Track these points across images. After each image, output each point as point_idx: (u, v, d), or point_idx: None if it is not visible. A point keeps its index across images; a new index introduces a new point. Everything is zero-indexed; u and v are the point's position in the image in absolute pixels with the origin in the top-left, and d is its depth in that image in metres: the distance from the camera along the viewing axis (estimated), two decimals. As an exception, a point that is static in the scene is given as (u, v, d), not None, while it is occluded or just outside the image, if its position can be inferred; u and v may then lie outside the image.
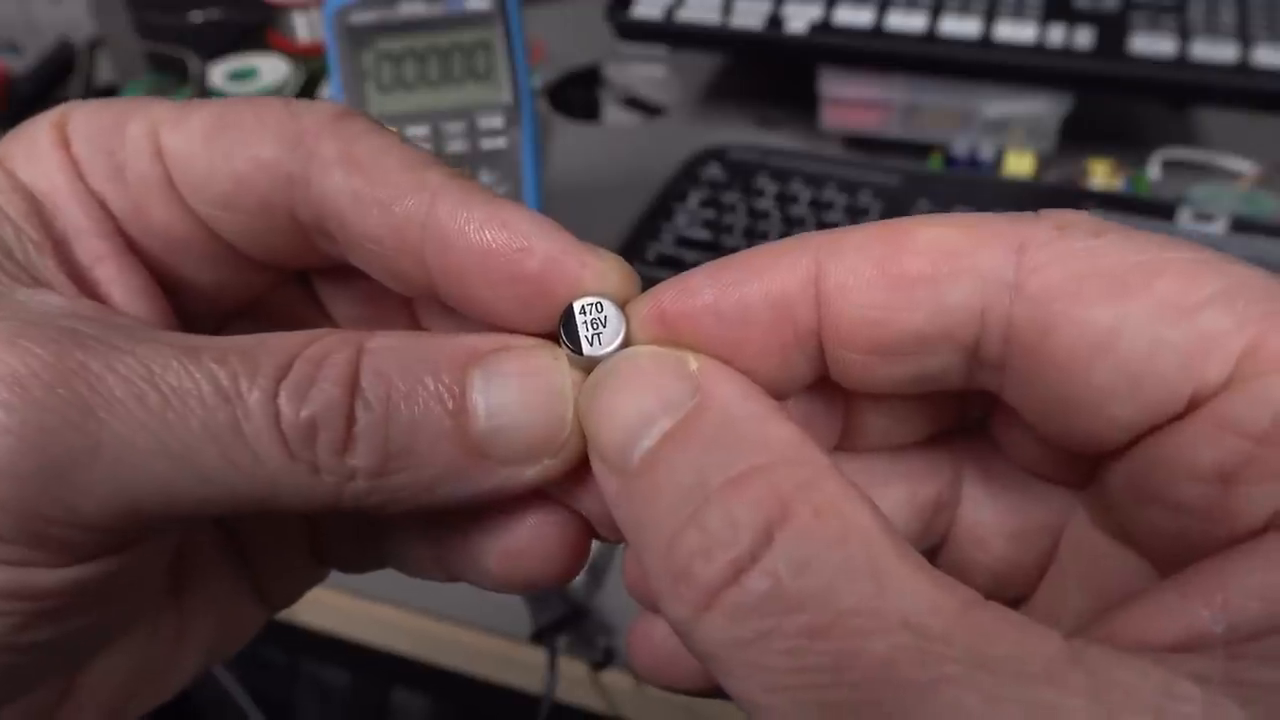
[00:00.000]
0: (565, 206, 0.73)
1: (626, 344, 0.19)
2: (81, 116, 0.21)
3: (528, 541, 0.21)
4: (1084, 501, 0.20)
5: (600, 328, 0.19)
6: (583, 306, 0.19)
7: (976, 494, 0.22)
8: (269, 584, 0.25)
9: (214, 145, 0.20)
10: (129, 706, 0.22)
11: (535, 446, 0.19)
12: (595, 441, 0.19)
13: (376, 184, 0.20)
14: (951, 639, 0.14)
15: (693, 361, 0.18)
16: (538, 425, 0.19)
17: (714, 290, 0.19)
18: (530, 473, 0.19)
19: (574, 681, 0.54)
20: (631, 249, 0.70)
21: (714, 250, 0.69)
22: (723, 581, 0.15)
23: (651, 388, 0.18)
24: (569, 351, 0.19)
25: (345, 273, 0.23)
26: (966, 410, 0.22)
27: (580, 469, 0.20)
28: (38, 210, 0.20)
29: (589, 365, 0.19)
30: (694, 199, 0.73)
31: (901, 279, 0.18)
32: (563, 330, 0.19)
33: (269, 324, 0.24)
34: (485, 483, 0.19)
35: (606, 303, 0.19)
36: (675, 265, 0.68)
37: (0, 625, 0.17)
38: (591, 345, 0.19)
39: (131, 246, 0.21)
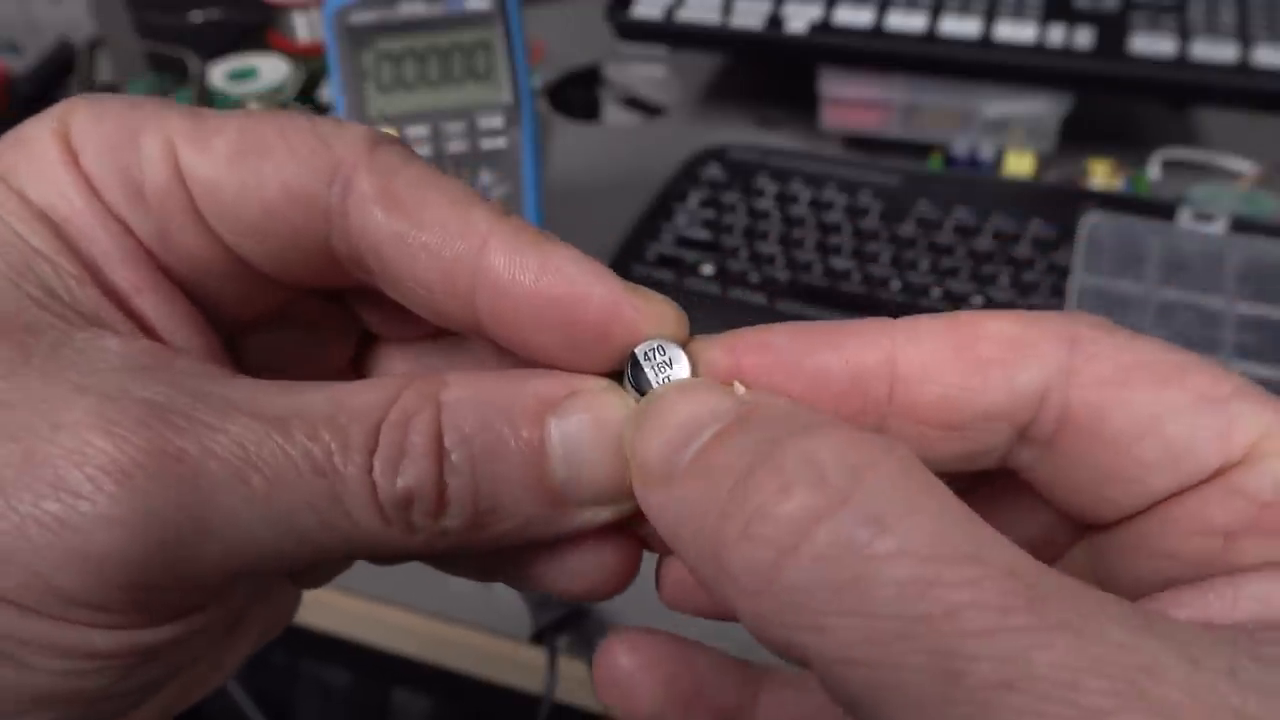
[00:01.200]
0: (565, 206, 0.73)
1: None
2: (86, 124, 0.20)
3: (581, 561, 0.22)
4: (1062, 566, 0.21)
5: (668, 369, 0.20)
6: (646, 353, 0.20)
7: None
8: (307, 574, 0.25)
9: (240, 171, 0.20)
10: (188, 697, 0.22)
11: (612, 490, 0.20)
12: (640, 461, 0.19)
13: (423, 226, 0.20)
14: (1051, 590, 0.14)
15: (739, 387, 0.19)
16: (613, 471, 0.20)
17: (796, 350, 0.20)
18: (607, 513, 0.20)
19: (574, 681, 0.54)
20: (631, 249, 0.70)
21: (714, 250, 0.69)
22: (810, 517, 0.15)
23: (698, 402, 0.18)
24: (635, 395, 0.20)
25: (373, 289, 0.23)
26: (954, 483, 0.23)
27: None
28: (63, 239, 0.20)
29: None
30: (694, 199, 0.73)
31: (979, 363, 0.19)
32: (631, 377, 0.20)
33: (293, 331, 0.25)
34: (566, 525, 0.20)
35: (669, 345, 0.20)
36: (675, 265, 0.68)
37: (106, 678, 0.18)
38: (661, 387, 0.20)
39: (160, 271, 0.21)
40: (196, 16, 1.03)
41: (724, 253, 0.69)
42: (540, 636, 0.52)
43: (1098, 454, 0.19)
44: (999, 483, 0.22)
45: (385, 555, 0.19)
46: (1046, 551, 0.22)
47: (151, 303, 0.20)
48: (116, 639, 0.18)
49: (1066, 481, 0.20)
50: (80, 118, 0.20)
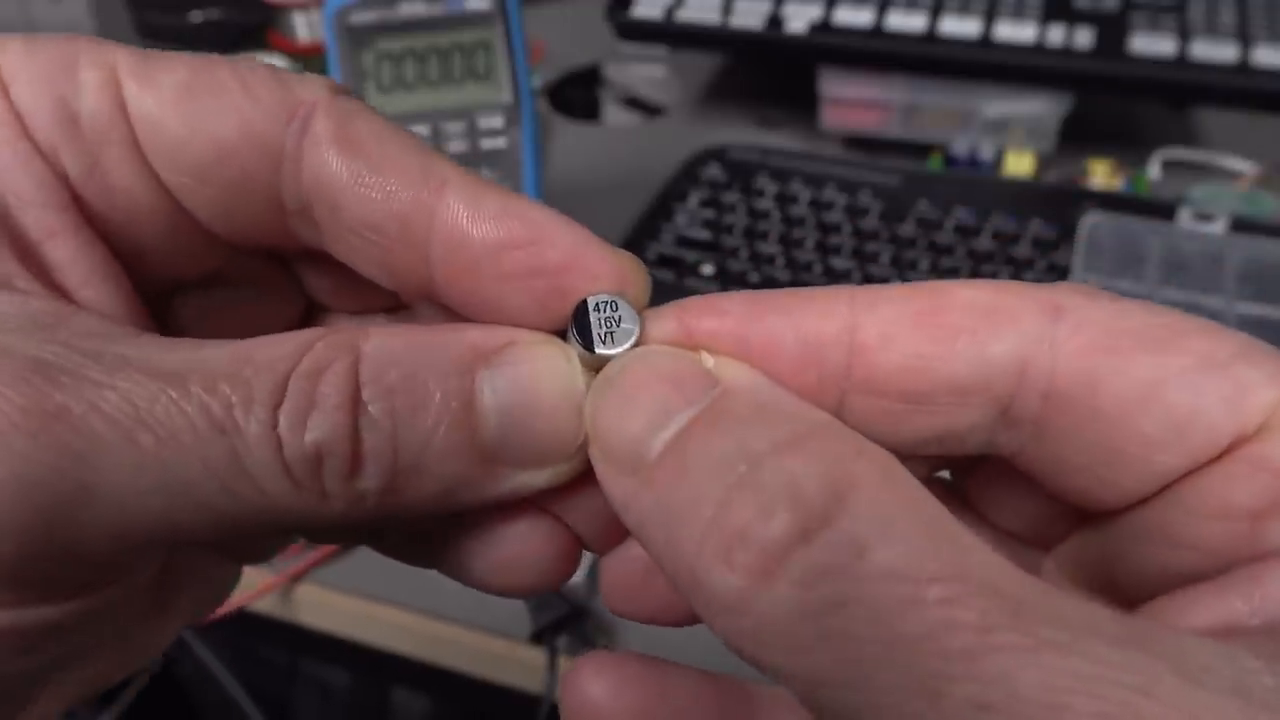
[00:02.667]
0: (565, 206, 0.72)
1: (640, 345, 0.19)
2: (18, 55, 0.19)
3: (516, 550, 0.20)
4: (1058, 558, 0.20)
5: (614, 325, 0.18)
6: (597, 304, 0.18)
7: None
8: (243, 550, 0.24)
9: (190, 108, 0.19)
10: (107, 677, 0.21)
11: (549, 452, 0.18)
12: (604, 441, 0.18)
13: (380, 169, 0.19)
14: (1036, 605, 0.14)
15: (708, 359, 0.18)
16: (551, 429, 0.18)
17: (744, 316, 0.18)
18: (543, 478, 0.19)
19: (574, 681, 0.54)
20: (631, 249, 0.69)
21: (714, 250, 0.69)
22: (790, 541, 0.14)
23: (668, 381, 0.17)
24: (579, 349, 0.18)
25: (319, 254, 0.21)
26: (935, 468, 0.22)
27: (572, 483, 0.19)
28: None
29: (599, 364, 0.19)
30: (694, 199, 0.73)
31: (944, 330, 0.18)
32: (574, 326, 0.18)
33: (232, 296, 0.23)
34: (496, 490, 0.19)
35: (622, 302, 0.19)
36: (675, 265, 0.68)
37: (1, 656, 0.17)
38: (604, 343, 0.18)
39: (84, 211, 0.19)
40: (196, 16, 1.02)
41: (724, 253, 0.69)
42: (540, 636, 0.52)
43: (1092, 432, 0.17)
44: (989, 469, 0.21)
45: (300, 526, 0.18)
46: (1043, 542, 0.21)
47: (64, 250, 0.19)
48: (4, 617, 0.16)
49: (1061, 465, 0.18)
50: (13, 49, 0.19)
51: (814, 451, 0.15)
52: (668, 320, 0.19)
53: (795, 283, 0.66)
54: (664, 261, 0.69)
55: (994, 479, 0.21)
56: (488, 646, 0.55)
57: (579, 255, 0.19)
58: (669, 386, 0.17)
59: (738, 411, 0.16)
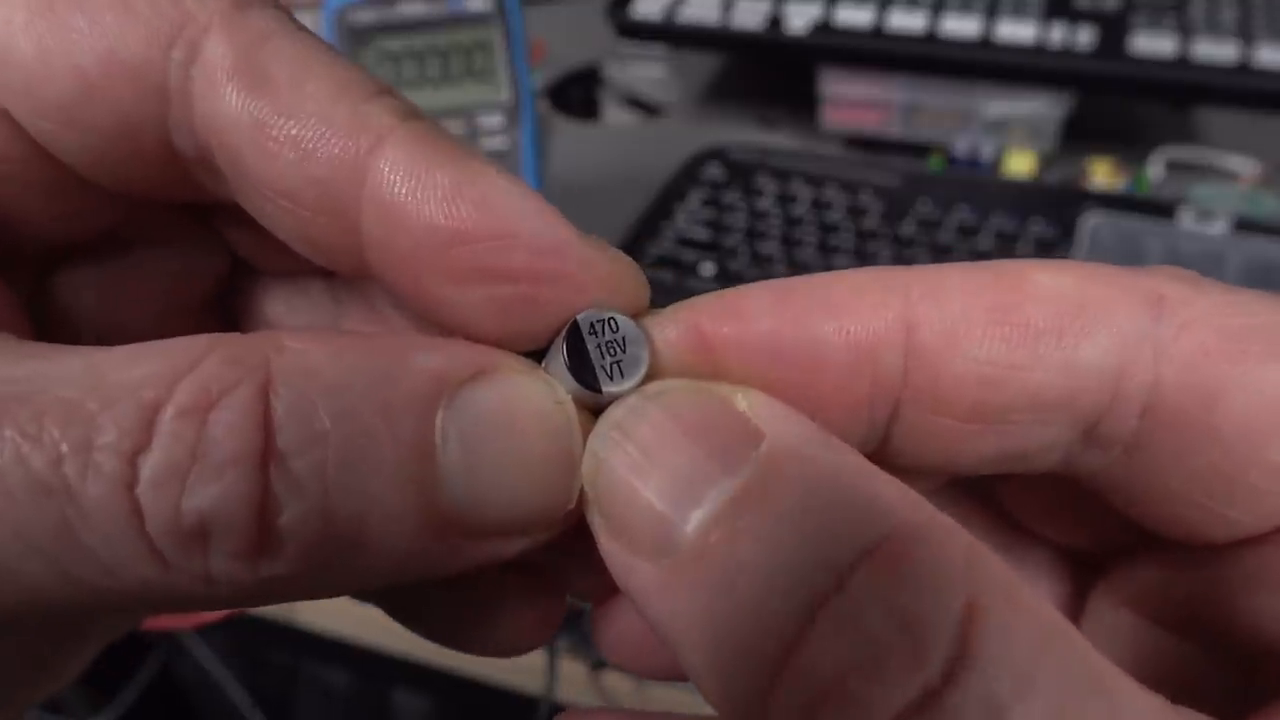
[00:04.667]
0: (565, 206, 0.72)
1: (651, 376, 0.14)
2: None
3: (491, 611, 0.16)
4: (1115, 580, 0.17)
5: (618, 353, 0.14)
6: (592, 324, 0.14)
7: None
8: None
9: (44, 28, 0.14)
10: (14, 709, 0.17)
11: (527, 520, 0.14)
12: (614, 513, 0.13)
13: (291, 113, 0.14)
14: None
15: (742, 399, 0.14)
16: (533, 493, 0.14)
17: (775, 319, 0.14)
18: (514, 547, 0.14)
19: (574, 681, 0.54)
20: (631, 249, 0.70)
21: (714, 250, 0.69)
22: (905, 708, 0.11)
23: (696, 436, 0.13)
24: (578, 386, 0.14)
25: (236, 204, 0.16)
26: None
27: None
28: None
29: (597, 404, 0.14)
30: (694, 199, 0.73)
31: (1026, 330, 0.14)
32: (567, 356, 0.14)
33: (130, 257, 0.18)
34: (451, 566, 0.14)
35: (623, 320, 0.14)
36: (675, 265, 0.68)
37: None
38: (612, 379, 0.14)
39: None
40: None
41: (724, 253, 0.69)
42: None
43: (1206, 457, 0.14)
44: (1037, 476, 0.16)
45: (175, 609, 0.13)
46: (1094, 559, 0.17)
47: None
48: None
49: (1155, 493, 0.15)
50: None
51: (919, 567, 0.11)
52: (676, 330, 0.15)
53: (795, 283, 0.66)
54: (664, 261, 0.69)
55: (1044, 488, 0.17)
56: (488, 647, 0.55)
57: (557, 258, 0.14)
58: (699, 443, 0.13)
59: (797, 489, 0.12)
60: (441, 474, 0.13)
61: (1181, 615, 0.16)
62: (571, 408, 0.14)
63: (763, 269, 0.67)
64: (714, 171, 0.75)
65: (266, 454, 0.12)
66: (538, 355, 0.15)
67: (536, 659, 0.53)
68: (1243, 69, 0.72)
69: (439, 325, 0.15)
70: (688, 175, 0.76)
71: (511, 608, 0.16)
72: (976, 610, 0.11)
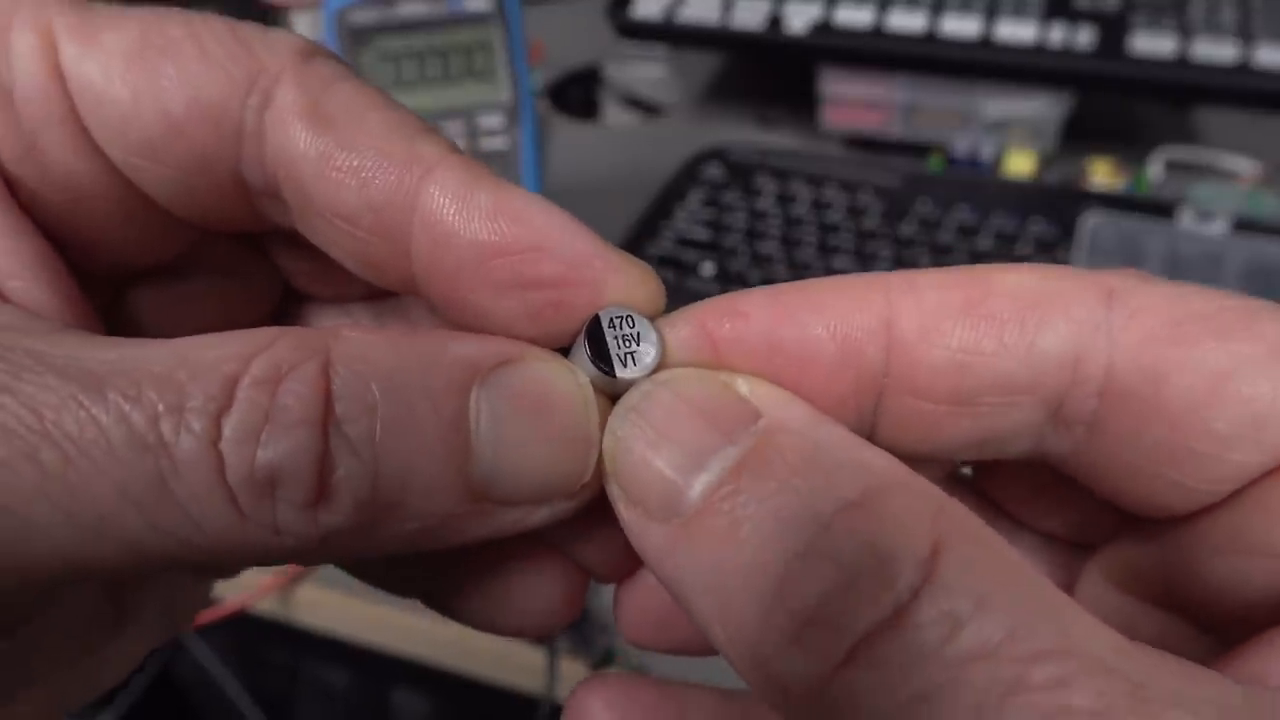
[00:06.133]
0: (565, 206, 0.73)
1: (662, 366, 0.16)
2: None
3: (519, 590, 0.18)
4: (1100, 562, 0.19)
5: (633, 345, 0.16)
6: (611, 319, 0.16)
7: None
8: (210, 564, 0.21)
9: (137, 75, 0.16)
10: (73, 699, 0.18)
11: (551, 488, 0.16)
12: (630, 482, 0.15)
13: (353, 148, 0.16)
14: (1153, 681, 0.12)
15: (743, 385, 0.16)
16: (556, 463, 0.16)
17: (771, 316, 0.16)
18: (539, 516, 0.16)
19: (574, 681, 0.54)
20: (631, 249, 0.70)
21: (714, 250, 0.69)
22: (876, 621, 0.12)
23: (701, 412, 0.15)
24: (597, 372, 0.16)
25: (294, 234, 0.18)
26: (959, 465, 0.20)
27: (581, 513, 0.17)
28: None
29: (614, 390, 0.16)
30: (694, 199, 0.73)
31: (991, 320, 0.16)
32: (588, 345, 0.16)
33: (194, 281, 0.20)
34: (481, 530, 0.16)
35: (639, 317, 0.16)
36: (675, 265, 0.68)
37: None
38: (626, 366, 0.16)
39: (20, 196, 0.17)
40: (196, 16, 1.02)
41: (724, 253, 0.69)
42: (540, 637, 0.52)
43: (1157, 430, 0.15)
44: (1019, 465, 0.18)
45: (245, 563, 0.15)
46: (1082, 543, 0.19)
47: None
48: None
49: (1118, 468, 0.16)
50: None
51: (891, 512, 0.13)
52: (685, 328, 0.17)
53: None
54: (664, 261, 0.69)
55: (1026, 477, 0.19)
56: (488, 646, 0.55)
57: (583, 266, 0.16)
58: (703, 420, 0.15)
59: (790, 456, 0.14)
60: (474, 444, 0.15)
61: (1159, 590, 0.17)
62: (589, 389, 0.16)
63: (763, 269, 0.67)
64: (714, 171, 0.75)
65: (326, 419, 0.14)
66: (565, 352, 0.17)
67: (536, 659, 0.53)
68: (1242, 69, 0.72)
69: (478, 331, 0.17)
70: (688, 175, 0.76)
71: (541, 588, 0.18)
72: (942, 546, 0.13)
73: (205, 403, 0.14)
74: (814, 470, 0.14)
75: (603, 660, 0.53)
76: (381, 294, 0.21)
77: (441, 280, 0.16)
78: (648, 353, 0.16)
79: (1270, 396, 0.15)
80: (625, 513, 0.15)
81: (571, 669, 0.53)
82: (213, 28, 0.17)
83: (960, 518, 0.14)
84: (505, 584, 0.18)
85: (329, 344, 0.15)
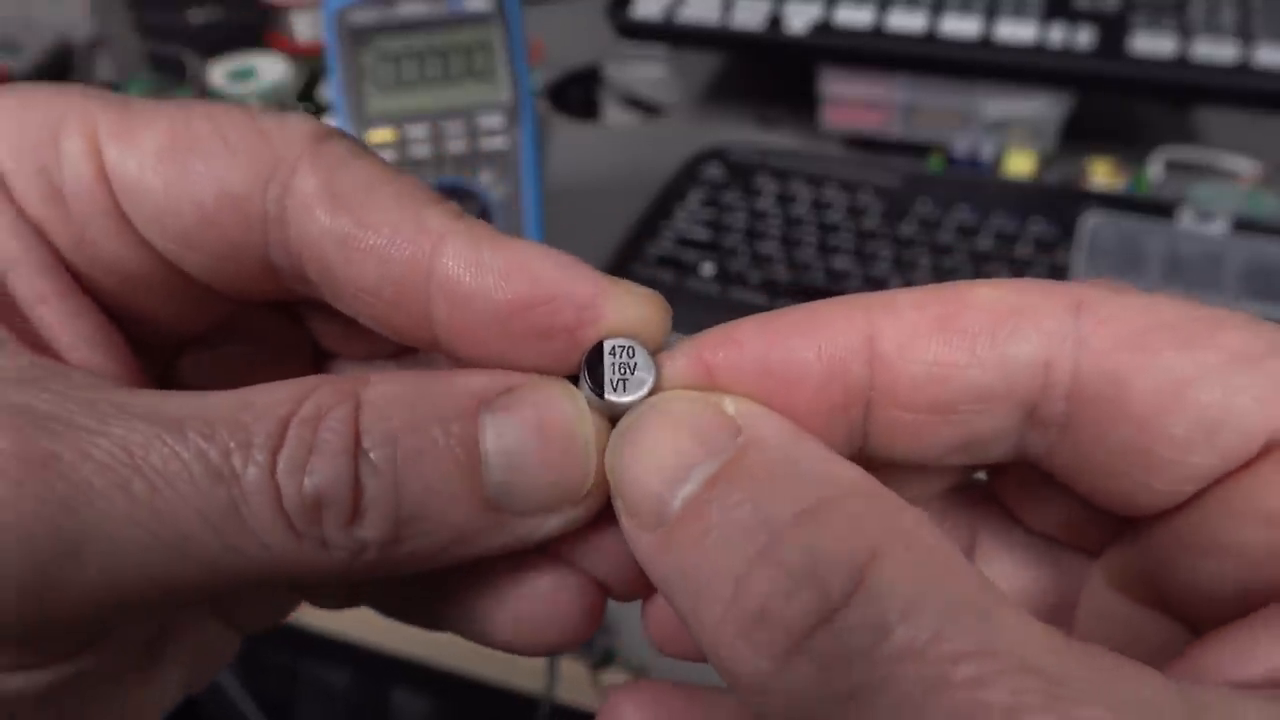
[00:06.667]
0: (565, 206, 0.73)
1: (656, 391, 0.18)
2: (4, 116, 0.18)
3: (537, 606, 0.19)
4: (1103, 565, 0.20)
5: (628, 372, 0.18)
6: (613, 348, 0.18)
7: (990, 552, 0.21)
8: (244, 615, 0.23)
9: (171, 171, 0.18)
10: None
11: (554, 498, 0.18)
12: (625, 495, 0.17)
13: (369, 227, 0.18)
14: (1074, 680, 0.13)
15: (730, 404, 0.17)
16: (556, 475, 0.18)
17: (762, 342, 0.18)
18: (548, 525, 0.18)
19: (574, 681, 0.54)
20: (631, 249, 0.70)
21: (714, 250, 0.69)
22: (811, 622, 0.14)
23: (687, 432, 0.16)
24: (589, 393, 0.18)
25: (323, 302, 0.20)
26: (967, 473, 0.21)
27: (590, 530, 0.19)
28: None
29: (610, 411, 0.18)
30: (694, 199, 0.73)
31: (964, 334, 0.17)
32: (586, 370, 0.18)
33: (236, 346, 0.23)
34: (500, 539, 0.18)
35: (638, 347, 0.18)
36: (675, 265, 0.68)
37: None
38: (615, 390, 0.18)
39: (77, 278, 0.19)
40: (196, 16, 1.02)
41: (724, 253, 0.69)
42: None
43: (1120, 433, 0.16)
44: (1024, 472, 0.19)
45: (300, 580, 0.17)
46: (1087, 548, 0.20)
47: (57, 315, 0.18)
48: None
49: (1090, 469, 0.17)
50: (1, 110, 0.19)
51: (836, 522, 0.15)
52: (683, 358, 0.18)
53: (796, 283, 0.66)
54: (664, 261, 0.69)
55: (1030, 482, 0.20)
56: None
57: (595, 309, 0.18)
58: (688, 437, 0.16)
59: (759, 469, 0.16)
60: (483, 461, 0.17)
61: (1149, 592, 0.18)
62: (584, 405, 0.18)
63: (763, 269, 0.67)
64: (714, 171, 0.75)
65: (357, 449, 0.17)
66: (576, 379, 0.19)
67: (536, 659, 0.53)
68: (1242, 69, 0.72)
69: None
70: (688, 175, 0.76)
71: (562, 605, 0.20)
72: (877, 554, 0.14)
73: (265, 440, 0.16)
74: (777, 481, 0.15)
75: (602, 660, 0.53)
76: (407, 351, 0.23)
77: (463, 338, 0.18)
78: (643, 379, 0.18)
79: (1224, 403, 0.16)
80: (625, 523, 0.17)
81: (571, 669, 0.53)
82: (234, 120, 0.18)
83: (906, 526, 0.15)
84: (531, 603, 0.20)
85: (359, 389, 0.17)
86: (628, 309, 0.18)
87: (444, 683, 0.61)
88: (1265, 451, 0.16)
